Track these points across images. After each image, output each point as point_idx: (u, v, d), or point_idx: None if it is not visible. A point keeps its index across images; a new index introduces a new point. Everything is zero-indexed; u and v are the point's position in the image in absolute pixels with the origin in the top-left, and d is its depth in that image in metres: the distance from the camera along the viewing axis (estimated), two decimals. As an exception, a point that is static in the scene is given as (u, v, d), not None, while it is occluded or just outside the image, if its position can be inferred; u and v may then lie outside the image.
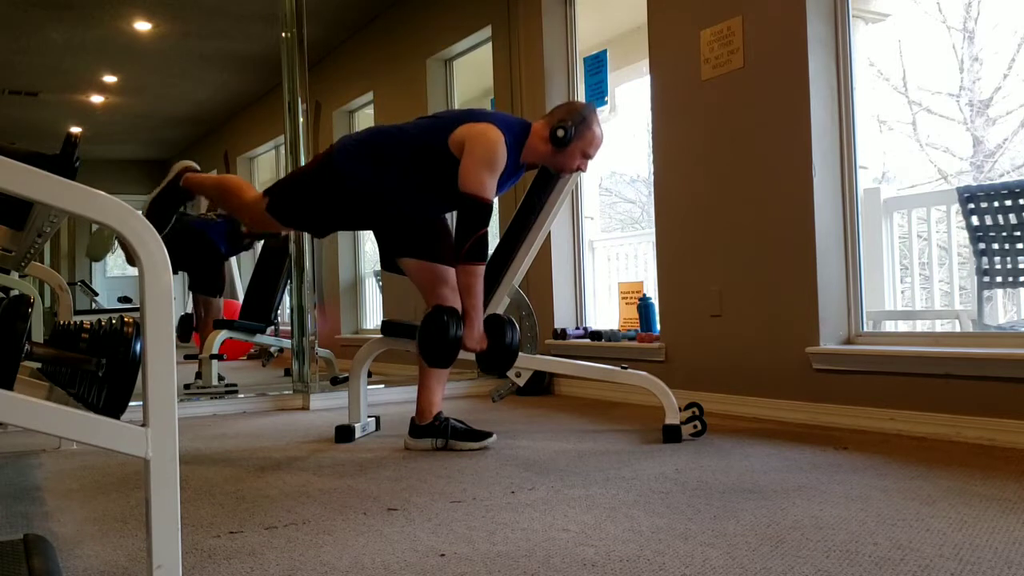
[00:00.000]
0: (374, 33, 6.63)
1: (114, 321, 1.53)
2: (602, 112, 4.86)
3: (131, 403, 1.45)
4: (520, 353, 3.27)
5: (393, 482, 2.41)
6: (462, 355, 2.82)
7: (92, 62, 7.39)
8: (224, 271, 5.85)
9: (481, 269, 2.76)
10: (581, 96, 4.84)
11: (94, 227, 9.87)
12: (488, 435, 2.95)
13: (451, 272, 2.85)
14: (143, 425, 1.28)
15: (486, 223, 2.73)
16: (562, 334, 4.68)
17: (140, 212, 1.32)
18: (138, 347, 1.42)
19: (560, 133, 2.80)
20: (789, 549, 1.65)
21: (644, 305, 4.31)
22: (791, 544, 1.68)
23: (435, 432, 2.92)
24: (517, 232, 3.13)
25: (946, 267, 4.40)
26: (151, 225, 1.28)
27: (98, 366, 1.46)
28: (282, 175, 3.82)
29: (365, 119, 7.26)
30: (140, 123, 9.70)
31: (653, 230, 4.08)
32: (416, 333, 2.82)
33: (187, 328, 5.75)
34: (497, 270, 3.14)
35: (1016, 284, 3.79)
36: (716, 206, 3.68)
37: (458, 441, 2.90)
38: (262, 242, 6.16)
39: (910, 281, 4.45)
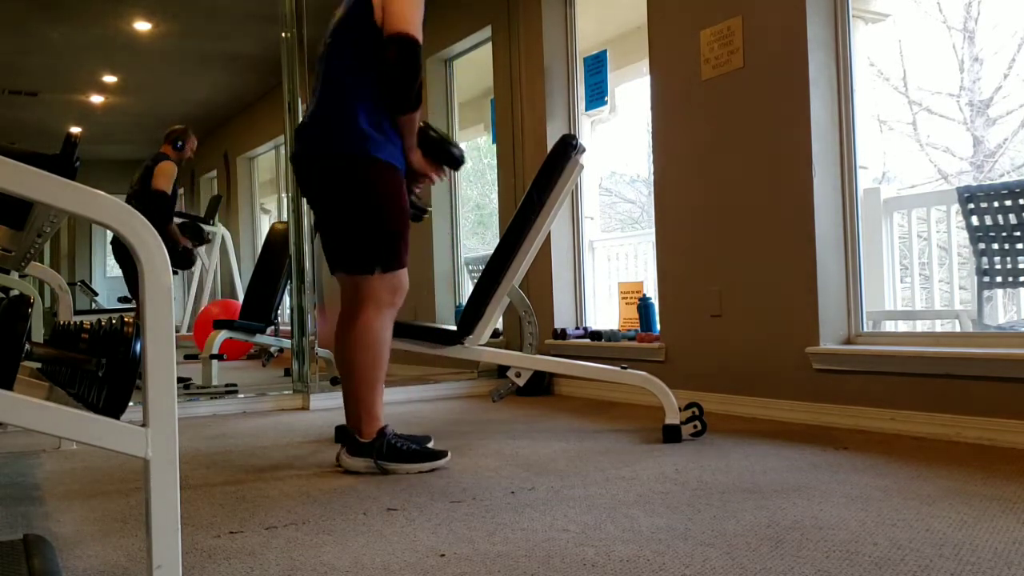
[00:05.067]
0: (374, 33, 6.61)
1: (114, 321, 1.53)
2: (602, 112, 4.87)
3: (131, 403, 1.45)
4: (520, 353, 3.27)
5: (393, 482, 2.41)
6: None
7: (92, 62, 7.38)
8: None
9: (416, 115, 2.63)
10: (582, 98, 4.84)
11: (94, 227, 9.86)
12: (443, 454, 2.63)
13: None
14: (143, 425, 1.28)
15: (420, 68, 2.55)
16: (562, 334, 4.67)
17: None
18: (138, 347, 1.42)
19: None
20: (789, 549, 1.65)
21: (644, 305, 4.31)
22: (791, 544, 1.68)
23: (372, 450, 2.56)
24: (517, 232, 3.13)
25: (946, 267, 4.40)
26: (151, 226, 1.28)
27: (98, 366, 1.46)
28: (281, 175, 3.84)
29: (365, 119, 7.24)
30: (140, 123, 9.68)
31: (653, 230, 4.08)
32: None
33: None
34: (497, 270, 3.14)
35: (1016, 284, 3.79)
36: (716, 206, 3.68)
37: (398, 463, 2.54)
38: (263, 242, 6.17)
39: (910, 281, 4.45)
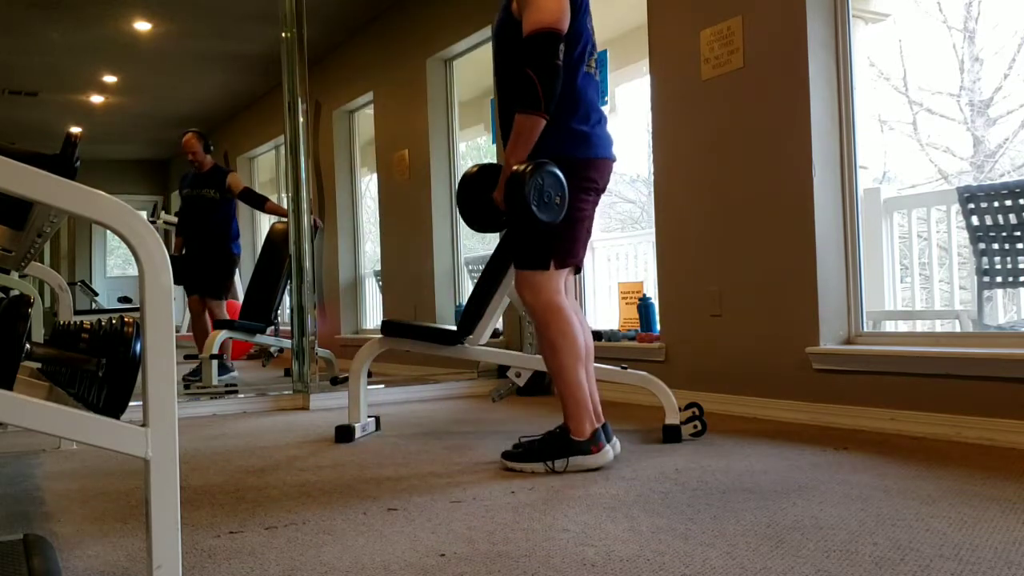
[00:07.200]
0: (374, 33, 6.63)
1: (114, 321, 1.53)
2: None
3: (131, 403, 1.45)
4: (520, 353, 3.27)
5: (393, 482, 2.41)
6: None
7: (92, 62, 7.39)
8: (234, 274, 5.96)
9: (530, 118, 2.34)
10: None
11: (94, 227, 9.87)
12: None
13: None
14: (143, 425, 1.28)
15: (554, 55, 2.28)
16: (562, 334, 4.67)
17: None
18: (138, 347, 1.42)
19: None
20: (789, 549, 1.65)
21: (644, 305, 4.31)
22: (791, 544, 1.68)
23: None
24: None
25: (946, 267, 4.40)
26: (151, 226, 1.28)
27: (98, 366, 1.46)
28: (281, 175, 3.83)
29: (365, 119, 7.26)
30: (140, 123, 9.69)
31: (653, 230, 4.08)
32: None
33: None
34: (497, 270, 3.14)
35: (1016, 284, 3.79)
36: (716, 206, 3.68)
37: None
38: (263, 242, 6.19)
39: (910, 281, 4.45)
